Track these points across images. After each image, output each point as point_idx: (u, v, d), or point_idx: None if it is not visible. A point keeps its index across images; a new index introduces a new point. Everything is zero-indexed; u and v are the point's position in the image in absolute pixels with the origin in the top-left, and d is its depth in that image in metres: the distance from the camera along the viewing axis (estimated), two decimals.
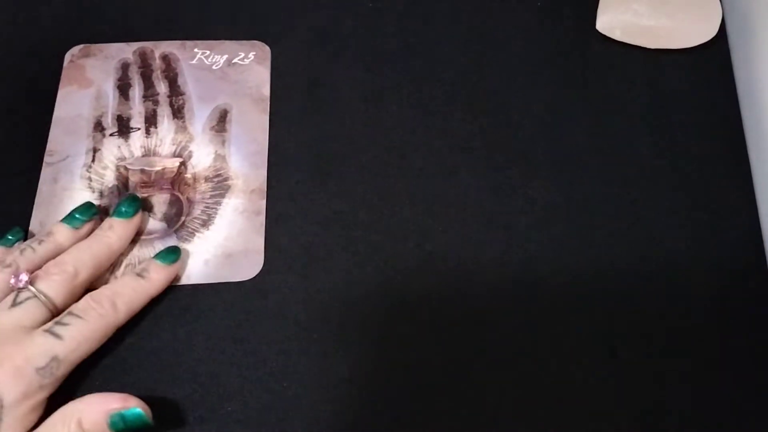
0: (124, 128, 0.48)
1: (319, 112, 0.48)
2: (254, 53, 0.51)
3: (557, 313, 0.42)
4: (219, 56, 0.50)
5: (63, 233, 0.42)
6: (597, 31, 0.51)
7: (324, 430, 0.39)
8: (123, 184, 0.46)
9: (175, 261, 0.42)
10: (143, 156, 0.47)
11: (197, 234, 0.44)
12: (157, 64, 0.50)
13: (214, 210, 0.45)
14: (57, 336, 0.37)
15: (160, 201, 0.45)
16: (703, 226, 0.45)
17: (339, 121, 0.48)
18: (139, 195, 0.45)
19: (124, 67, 0.50)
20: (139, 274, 0.41)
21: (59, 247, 0.41)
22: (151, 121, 0.48)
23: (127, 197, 0.43)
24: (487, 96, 0.49)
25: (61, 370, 0.36)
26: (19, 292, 0.38)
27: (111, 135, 0.47)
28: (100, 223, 0.43)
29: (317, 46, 0.51)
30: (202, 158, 0.47)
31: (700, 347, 0.41)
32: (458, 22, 0.52)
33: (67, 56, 0.50)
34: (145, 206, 0.45)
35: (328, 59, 0.50)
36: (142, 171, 0.46)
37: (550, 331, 0.42)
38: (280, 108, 0.49)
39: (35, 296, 0.38)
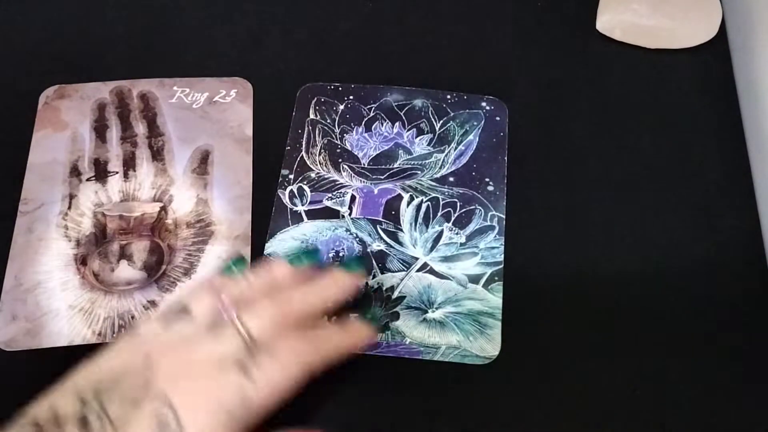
0: (101, 172, 0.46)
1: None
2: (236, 90, 0.49)
3: (557, 312, 0.42)
4: (199, 94, 0.48)
5: (282, 271, 0.38)
6: (597, 31, 0.51)
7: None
8: (100, 231, 0.44)
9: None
10: (121, 201, 0.45)
11: (179, 284, 0.42)
12: (135, 103, 0.48)
13: (196, 258, 0.43)
14: (251, 379, 0.33)
15: (139, 248, 0.43)
16: (703, 226, 0.45)
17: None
18: (118, 242, 0.43)
19: (101, 107, 0.48)
20: (342, 328, 0.38)
21: (275, 283, 0.37)
22: (129, 164, 0.46)
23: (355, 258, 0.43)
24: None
25: (252, 416, 0.33)
26: (222, 322, 0.34)
27: (88, 180, 0.45)
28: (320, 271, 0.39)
29: (316, 47, 0.51)
30: (183, 203, 0.45)
31: (700, 347, 0.41)
32: (458, 23, 0.52)
33: (42, 97, 0.48)
34: (124, 254, 0.43)
35: (327, 59, 0.50)
36: (121, 217, 0.44)
37: (550, 331, 0.42)
38: (277, 108, 0.48)
39: (238, 332, 0.34)
